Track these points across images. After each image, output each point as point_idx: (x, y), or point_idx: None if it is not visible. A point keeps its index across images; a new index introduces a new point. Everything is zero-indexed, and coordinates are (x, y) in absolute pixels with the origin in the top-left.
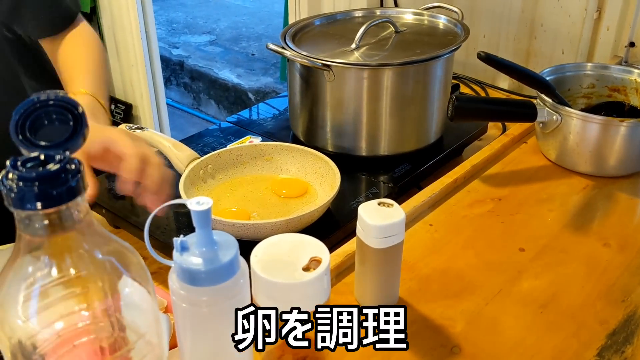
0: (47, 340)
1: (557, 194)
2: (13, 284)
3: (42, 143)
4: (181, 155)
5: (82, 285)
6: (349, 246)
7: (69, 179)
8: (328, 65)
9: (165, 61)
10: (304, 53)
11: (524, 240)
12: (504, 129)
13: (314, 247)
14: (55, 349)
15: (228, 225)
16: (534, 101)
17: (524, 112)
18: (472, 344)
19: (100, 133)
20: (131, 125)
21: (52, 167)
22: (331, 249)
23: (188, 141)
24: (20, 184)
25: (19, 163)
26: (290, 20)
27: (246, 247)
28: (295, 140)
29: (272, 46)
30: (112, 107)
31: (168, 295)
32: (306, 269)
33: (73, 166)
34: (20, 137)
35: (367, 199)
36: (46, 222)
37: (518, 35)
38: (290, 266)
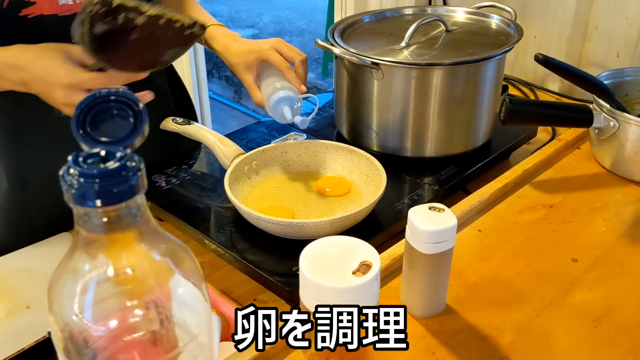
0: (98, 335)
1: (612, 203)
2: (69, 279)
3: (103, 139)
4: (226, 150)
5: (136, 283)
6: (395, 249)
7: (130, 177)
8: (377, 64)
9: (208, 54)
10: (353, 50)
11: (576, 250)
12: (554, 133)
13: (365, 251)
14: (107, 344)
15: (272, 224)
16: (590, 106)
17: (580, 117)
18: (522, 356)
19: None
20: (177, 118)
21: (112, 164)
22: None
23: (233, 136)
24: (81, 180)
25: (80, 159)
26: (336, 17)
27: (290, 245)
28: (340, 138)
29: (320, 42)
30: None
31: (211, 291)
32: (356, 273)
33: (133, 164)
34: (81, 131)
35: (412, 201)
36: (105, 219)
37: (571, 36)
38: (340, 270)
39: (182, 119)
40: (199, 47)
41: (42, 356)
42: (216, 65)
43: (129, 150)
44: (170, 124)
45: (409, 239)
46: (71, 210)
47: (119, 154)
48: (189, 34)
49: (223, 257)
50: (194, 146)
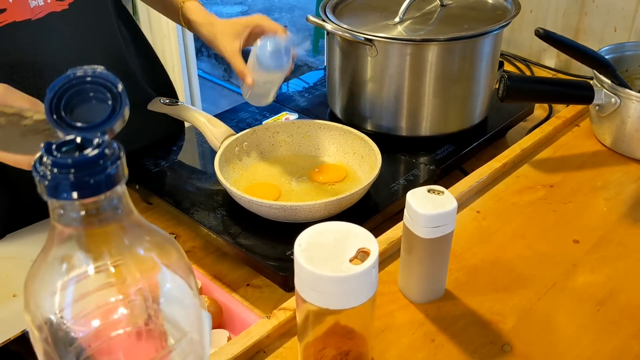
0: (79, 335)
1: (613, 182)
2: (46, 277)
3: (78, 124)
4: (216, 131)
5: (119, 279)
6: (392, 233)
7: (108, 166)
8: (371, 40)
9: None
10: (346, 26)
11: (578, 230)
12: (550, 111)
13: (362, 237)
14: (91, 342)
15: (264, 207)
16: (590, 82)
17: (581, 93)
18: (524, 342)
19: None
20: (164, 99)
21: (89, 152)
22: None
23: (222, 116)
24: (55, 170)
25: (53, 147)
26: None
27: (283, 229)
28: (333, 117)
29: (312, 18)
30: None
31: (202, 276)
32: (353, 260)
33: (112, 151)
34: (55, 116)
35: (408, 181)
36: (82, 212)
37: (567, 10)
38: (336, 257)
39: (169, 99)
40: None
41: (30, 345)
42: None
43: (107, 137)
44: (158, 105)
45: (407, 223)
46: None
47: (96, 141)
48: None
49: (214, 242)
50: (183, 127)
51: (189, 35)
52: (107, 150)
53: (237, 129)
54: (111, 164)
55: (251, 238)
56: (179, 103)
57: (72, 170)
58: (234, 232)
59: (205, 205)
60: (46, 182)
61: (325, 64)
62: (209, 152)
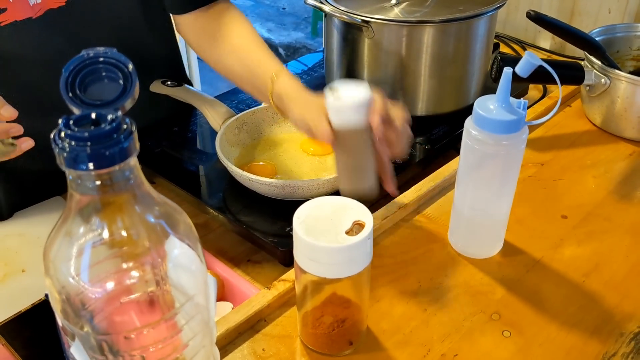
0: (95, 297)
1: (602, 160)
2: (64, 242)
3: (92, 101)
4: (217, 112)
5: (131, 245)
6: (386, 209)
7: (122, 140)
8: (367, 22)
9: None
10: (343, 8)
11: (566, 207)
12: (545, 91)
13: (357, 210)
14: (103, 306)
15: (264, 185)
16: (582, 63)
17: (571, 74)
18: (512, 311)
19: None
20: (167, 80)
21: (104, 126)
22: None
23: (223, 97)
24: (73, 143)
25: (70, 122)
26: None
27: (283, 206)
28: None
29: (310, 1)
30: None
31: (204, 253)
32: (349, 232)
33: (125, 126)
34: (70, 94)
35: (404, 161)
36: (98, 182)
37: None
38: (333, 229)
39: (171, 81)
40: None
41: (38, 319)
42: None
43: (120, 113)
44: (160, 86)
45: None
46: (63, 174)
47: (110, 117)
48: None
49: (216, 219)
50: (184, 108)
51: None
52: (120, 125)
53: (237, 110)
54: (124, 138)
55: (251, 215)
56: (181, 85)
57: (89, 143)
58: (235, 210)
59: (207, 184)
60: (65, 154)
61: (323, 46)
62: (209, 133)
